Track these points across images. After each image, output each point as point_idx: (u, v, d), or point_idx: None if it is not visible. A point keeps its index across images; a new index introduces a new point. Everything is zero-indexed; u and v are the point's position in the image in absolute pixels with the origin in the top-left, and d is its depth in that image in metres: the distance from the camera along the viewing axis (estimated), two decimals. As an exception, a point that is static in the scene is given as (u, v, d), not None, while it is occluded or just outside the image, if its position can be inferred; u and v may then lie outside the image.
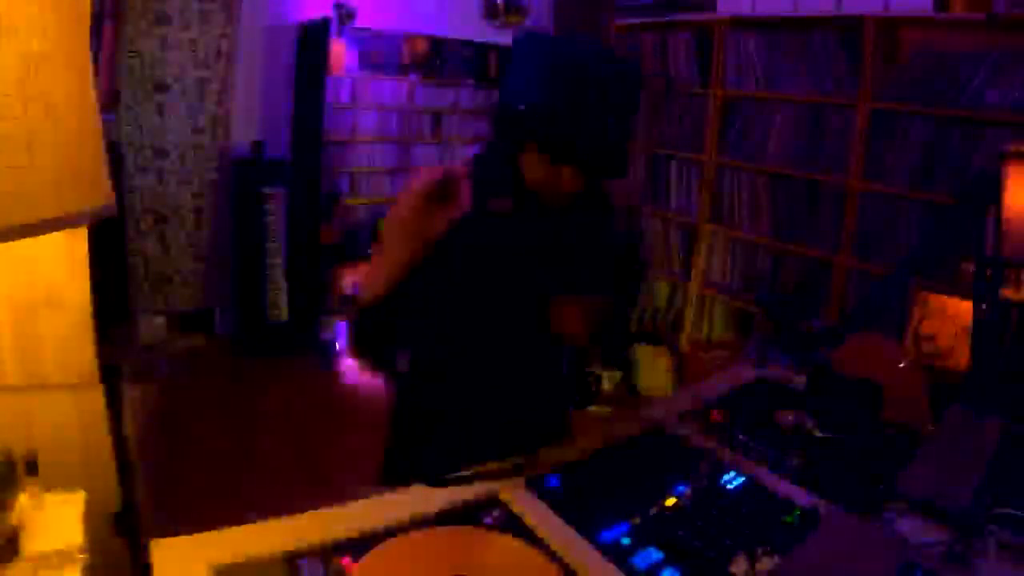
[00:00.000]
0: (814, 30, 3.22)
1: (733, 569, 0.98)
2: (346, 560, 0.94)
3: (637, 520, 1.09)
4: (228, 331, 4.29)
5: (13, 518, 0.96)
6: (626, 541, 1.03)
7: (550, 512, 1.08)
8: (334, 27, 3.97)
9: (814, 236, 3.31)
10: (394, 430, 1.42)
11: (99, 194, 0.83)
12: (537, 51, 1.12)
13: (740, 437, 1.39)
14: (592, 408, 3.75)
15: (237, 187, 4.07)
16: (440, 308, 1.25)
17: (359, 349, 1.22)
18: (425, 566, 0.94)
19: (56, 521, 1.01)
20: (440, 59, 4.46)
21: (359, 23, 4.09)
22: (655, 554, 1.01)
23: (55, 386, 1.35)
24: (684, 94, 3.86)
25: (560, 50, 1.11)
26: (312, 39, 4.04)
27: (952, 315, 2.21)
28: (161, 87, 3.80)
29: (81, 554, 0.96)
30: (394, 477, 1.35)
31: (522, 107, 1.11)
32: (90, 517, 1.05)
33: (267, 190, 3.97)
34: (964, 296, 2.17)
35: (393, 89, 4.37)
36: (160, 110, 3.83)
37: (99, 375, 1.40)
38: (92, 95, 0.82)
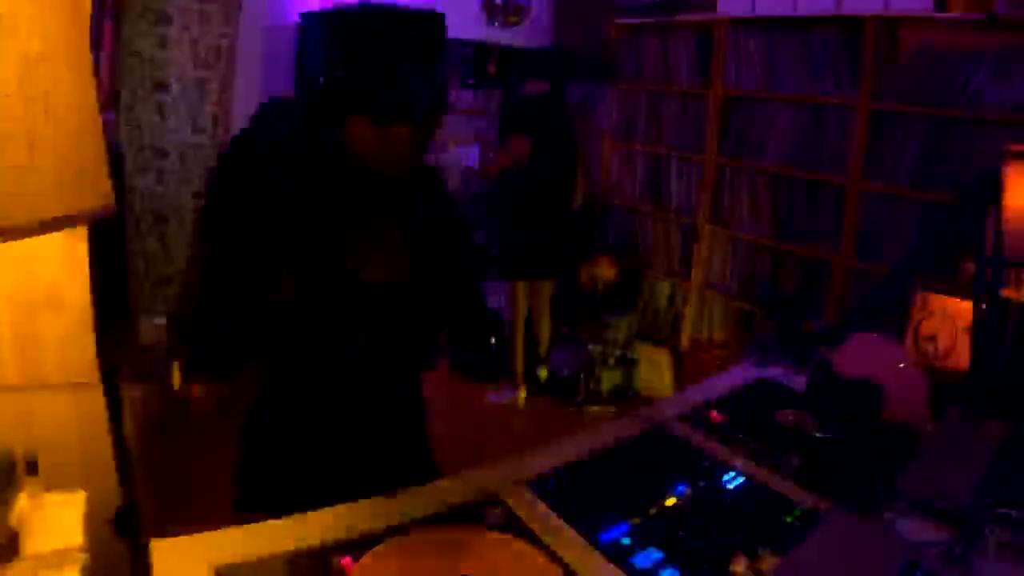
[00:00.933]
0: (814, 30, 3.22)
1: (733, 569, 0.98)
2: (346, 560, 0.94)
3: (637, 520, 1.09)
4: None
5: (13, 518, 0.96)
6: (626, 541, 1.03)
7: (550, 512, 1.08)
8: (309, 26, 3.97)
9: (814, 236, 3.31)
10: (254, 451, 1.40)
11: (99, 194, 0.83)
12: (320, 27, 1.15)
13: (740, 437, 1.39)
14: (592, 408, 3.75)
15: (237, 187, 4.06)
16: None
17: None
18: (425, 566, 0.94)
19: (56, 521, 1.00)
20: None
21: (359, 23, 4.09)
22: (655, 554, 1.01)
23: (55, 386, 1.35)
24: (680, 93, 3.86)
25: (338, 18, 1.14)
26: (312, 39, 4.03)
27: (952, 315, 2.21)
28: (161, 87, 3.79)
29: (81, 554, 0.96)
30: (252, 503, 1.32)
31: (322, 80, 1.12)
32: (90, 517, 1.05)
33: (267, 190, 3.96)
34: (964, 296, 2.16)
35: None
36: (160, 110, 3.82)
37: (99, 375, 1.40)
38: (92, 95, 0.82)
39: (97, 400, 1.40)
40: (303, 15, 1.08)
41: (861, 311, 1.93)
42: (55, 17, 0.74)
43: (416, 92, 1.11)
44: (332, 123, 1.15)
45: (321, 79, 1.12)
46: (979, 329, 1.66)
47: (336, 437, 1.28)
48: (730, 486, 1.21)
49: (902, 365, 1.51)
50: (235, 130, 4.05)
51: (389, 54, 1.10)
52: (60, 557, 0.94)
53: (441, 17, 1.16)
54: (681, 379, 3.84)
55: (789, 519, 1.12)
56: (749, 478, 1.24)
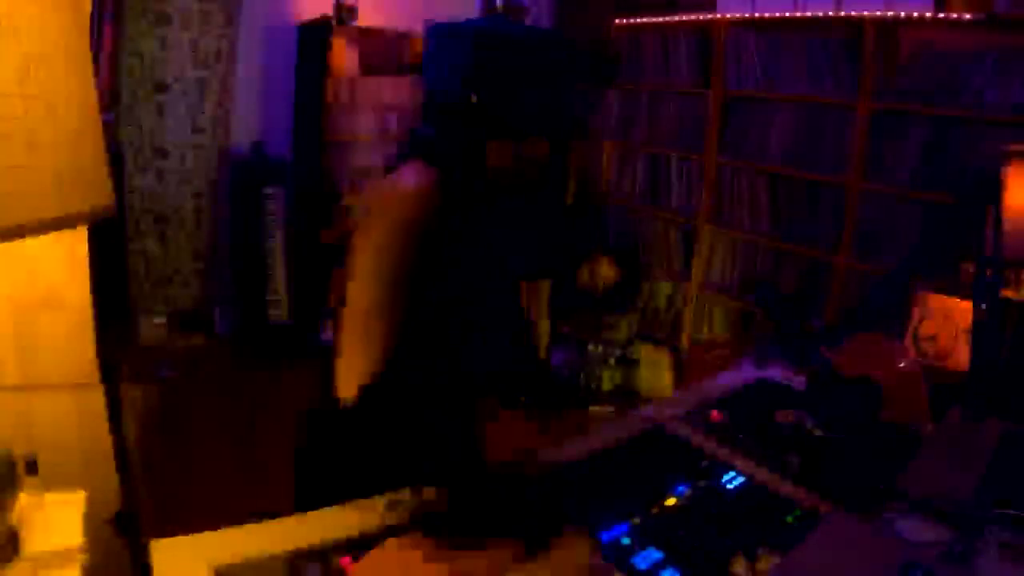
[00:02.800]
0: (814, 30, 3.22)
1: (733, 569, 0.98)
2: (346, 560, 0.94)
3: (637, 520, 1.09)
4: (228, 331, 4.28)
5: (13, 518, 0.96)
6: (626, 541, 1.03)
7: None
8: (334, 27, 3.97)
9: (814, 236, 3.31)
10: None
11: (99, 194, 0.83)
12: (463, 40, 1.15)
13: (740, 437, 1.39)
14: (592, 408, 3.75)
15: (237, 187, 4.06)
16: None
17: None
18: (425, 567, 0.94)
19: (56, 521, 1.00)
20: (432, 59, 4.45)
21: (359, 23, 4.09)
22: (655, 554, 1.01)
23: (55, 386, 1.35)
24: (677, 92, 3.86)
25: (490, 35, 1.14)
26: (312, 39, 4.03)
27: (952, 315, 2.21)
28: (161, 87, 3.79)
29: (81, 554, 0.96)
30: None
31: (474, 98, 1.11)
32: (90, 517, 1.05)
33: (267, 190, 3.97)
34: (964, 296, 2.16)
35: (393, 89, 4.37)
36: (160, 110, 3.82)
37: (99, 375, 1.40)
38: (92, 95, 0.82)
39: (97, 400, 1.40)
40: (432, 27, 1.09)
41: (861, 311, 1.93)
42: (55, 17, 0.74)
43: (573, 112, 1.16)
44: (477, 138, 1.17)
45: (473, 97, 1.12)
46: (979, 329, 1.66)
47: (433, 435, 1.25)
48: (730, 486, 1.21)
49: (902, 365, 1.51)
50: (235, 130, 4.06)
51: (546, 76, 1.14)
52: (60, 557, 0.94)
53: (567, 39, 1.23)
54: (681, 379, 3.84)
55: (789, 519, 1.12)
56: (749, 478, 1.24)
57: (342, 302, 1.13)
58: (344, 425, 1.17)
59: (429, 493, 1.08)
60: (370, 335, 1.10)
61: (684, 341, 3.95)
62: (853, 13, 3.03)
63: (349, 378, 1.11)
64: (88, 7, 1.08)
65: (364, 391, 1.09)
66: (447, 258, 1.16)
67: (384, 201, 1.16)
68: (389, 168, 1.21)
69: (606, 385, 3.81)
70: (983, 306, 1.65)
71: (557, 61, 1.16)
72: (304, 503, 1.15)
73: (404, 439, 1.12)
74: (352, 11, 4.02)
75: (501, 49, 1.12)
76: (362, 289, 1.10)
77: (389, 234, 1.09)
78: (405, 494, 1.10)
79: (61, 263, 1.33)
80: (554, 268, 3.85)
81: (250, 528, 1.00)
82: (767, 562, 0.99)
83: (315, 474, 1.31)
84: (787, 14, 3.30)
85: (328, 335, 4.25)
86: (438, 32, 1.21)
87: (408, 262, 1.09)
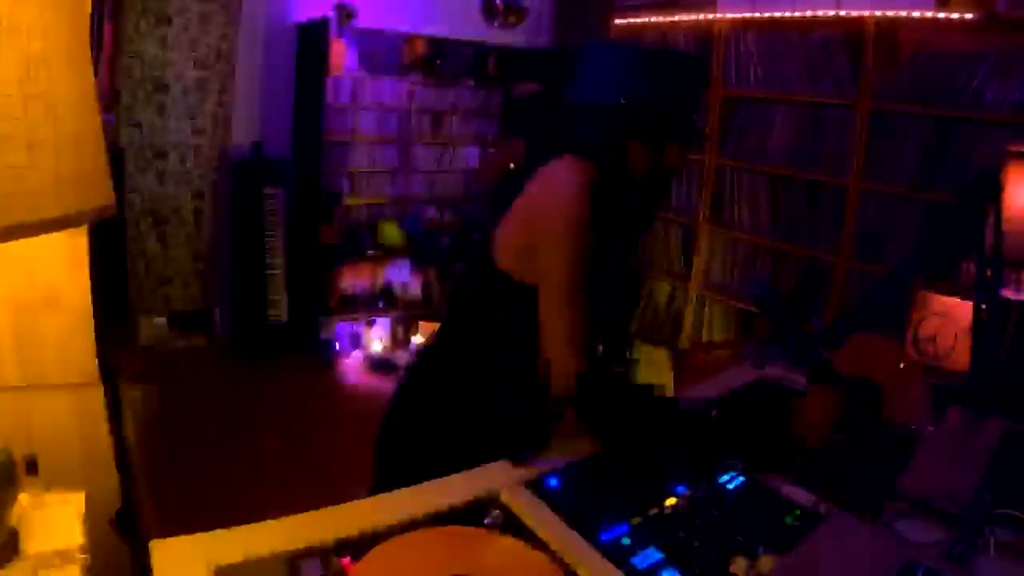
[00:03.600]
0: (814, 30, 3.22)
1: (733, 569, 0.98)
2: (346, 560, 0.94)
3: (637, 520, 1.09)
4: (228, 331, 4.29)
5: (13, 518, 0.96)
6: (626, 541, 1.03)
7: (550, 512, 1.08)
8: (334, 27, 3.97)
9: (814, 236, 3.31)
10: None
11: (99, 194, 0.83)
12: (617, 55, 1.37)
13: (740, 437, 1.38)
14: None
15: (237, 187, 4.07)
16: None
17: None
18: (425, 566, 0.94)
19: (56, 521, 1.00)
20: (440, 59, 4.46)
21: (359, 23, 4.09)
22: (655, 554, 1.01)
23: (55, 386, 1.35)
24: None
25: (639, 52, 1.42)
26: (312, 39, 4.04)
27: (952, 315, 2.21)
28: (161, 87, 3.80)
29: (81, 554, 0.96)
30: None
31: (623, 101, 1.29)
32: (90, 517, 1.05)
33: (267, 190, 3.97)
34: (964, 296, 2.17)
35: (393, 89, 4.37)
36: (160, 110, 3.83)
37: (99, 375, 1.40)
38: (92, 95, 0.82)
39: (97, 400, 1.40)
40: (594, 44, 1.44)
41: (861, 311, 1.93)
42: (55, 17, 0.74)
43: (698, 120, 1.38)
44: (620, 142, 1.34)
45: (623, 100, 1.30)
46: (979, 329, 1.66)
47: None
48: (730, 486, 1.21)
49: (902, 365, 1.51)
50: (235, 130, 4.06)
51: (684, 88, 1.34)
52: (60, 557, 0.94)
53: (696, 59, 1.44)
54: (681, 379, 3.84)
55: (789, 519, 1.12)
56: (749, 478, 1.24)
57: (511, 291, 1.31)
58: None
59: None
60: (579, 305, 1.24)
61: (684, 341, 3.95)
62: (853, 13, 3.03)
63: (572, 349, 1.25)
64: (88, 7, 1.08)
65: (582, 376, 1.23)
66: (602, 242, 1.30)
67: (547, 186, 1.33)
68: (528, 165, 1.38)
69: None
70: (983, 306, 1.65)
71: (690, 77, 1.36)
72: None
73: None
74: (352, 11, 4.02)
75: (652, 68, 1.32)
76: (564, 261, 1.24)
77: (578, 206, 1.24)
78: (405, 495, 1.10)
79: (61, 263, 1.33)
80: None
81: (250, 528, 1.00)
82: (767, 562, 0.98)
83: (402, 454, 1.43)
84: (787, 14, 3.30)
85: (326, 335, 4.26)
86: (595, 49, 1.42)
87: (590, 234, 1.24)
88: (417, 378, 1.50)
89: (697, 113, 1.38)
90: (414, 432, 1.44)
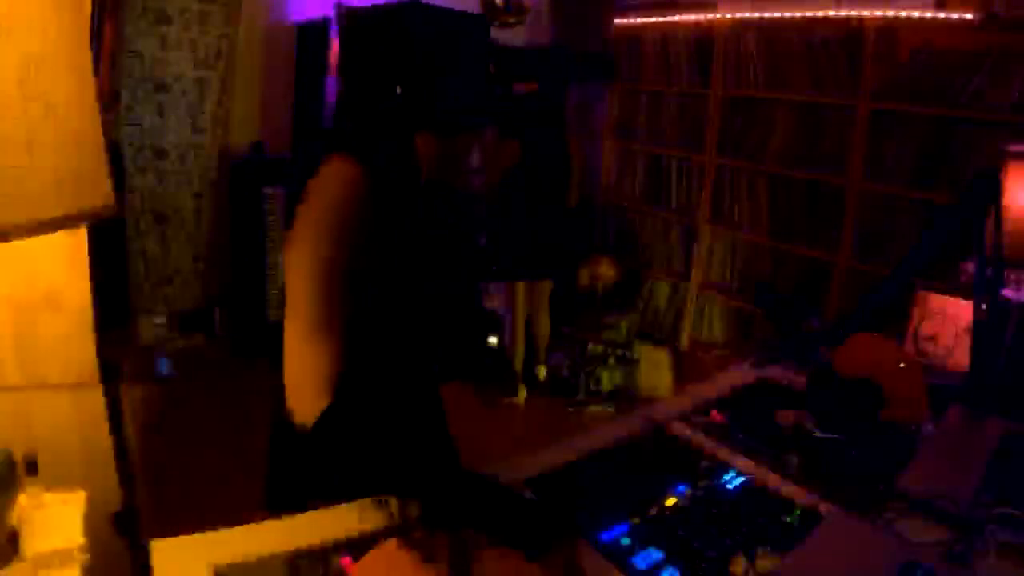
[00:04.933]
0: (814, 30, 3.22)
1: (733, 569, 0.98)
2: (346, 560, 0.94)
3: (637, 520, 1.09)
4: (228, 331, 4.28)
5: (13, 518, 0.96)
6: (626, 541, 1.03)
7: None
8: (334, 27, 3.97)
9: (814, 236, 3.31)
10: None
11: (99, 194, 0.83)
12: (366, 30, 1.09)
13: (740, 437, 1.39)
14: (592, 408, 3.75)
15: (237, 187, 4.06)
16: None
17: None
18: (424, 566, 0.94)
19: (56, 521, 1.00)
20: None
21: (359, 23, 4.09)
22: (655, 554, 1.01)
23: (55, 386, 1.35)
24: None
25: (392, 23, 1.06)
26: (312, 39, 4.03)
27: (952, 315, 2.21)
28: (161, 87, 3.79)
29: (81, 554, 0.96)
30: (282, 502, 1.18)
31: (399, 91, 1.05)
32: (90, 517, 1.05)
33: (267, 190, 3.97)
34: (964, 296, 2.16)
35: (393, 89, 4.36)
36: (160, 110, 3.82)
37: (99, 375, 1.40)
38: (92, 95, 0.82)
39: (97, 400, 1.40)
40: (345, 12, 0.99)
41: (861, 311, 1.94)
42: (55, 17, 0.74)
43: (474, 100, 1.08)
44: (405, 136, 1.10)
45: (399, 89, 1.05)
46: (979, 329, 1.66)
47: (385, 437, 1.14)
48: (730, 486, 1.21)
49: (902, 365, 1.51)
50: (235, 130, 4.05)
51: (445, 60, 1.04)
52: (60, 557, 0.94)
53: (483, 18, 1.11)
54: (681, 379, 3.84)
55: (789, 519, 1.12)
56: (749, 478, 1.24)
57: (283, 307, 1.05)
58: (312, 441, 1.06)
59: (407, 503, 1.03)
60: (319, 341, 1.01)
61: (684, 341, 3.95)
62: (853, 13, 3.03)
63: (304, 394, 1.02)
64: (88, 7, 1.08)
65: (325, 413, 0.98)
66: (385, 253, 1.10)
67: (309, 194, 1.08)
68: (307, 170, 1.13)
69: (606, 385, 3.81)
70: (983, 306, 1.65)
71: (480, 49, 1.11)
72: (275, 508, 1.09)
73: (375, 449, 1.01)
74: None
75: (423, 36, 1.04)
76: (303, 285, 1.03)
77: (320, 223, 1.03)
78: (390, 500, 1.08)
79: (61, 263, 1.33)
80: (554, 268, 3.85)
81: (250, 528, 1.00)
82: (767, 562, 0.99)
83: (286, 484, 1.27)
84: (787, 14, 3.30)
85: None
86: (353, 19, 1.13)
87: (345, 252, 1.02)
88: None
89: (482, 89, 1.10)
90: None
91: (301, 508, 1.05)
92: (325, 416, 0.97)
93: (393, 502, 1.04)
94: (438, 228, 1.20)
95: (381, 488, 1.04)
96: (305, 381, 1.01)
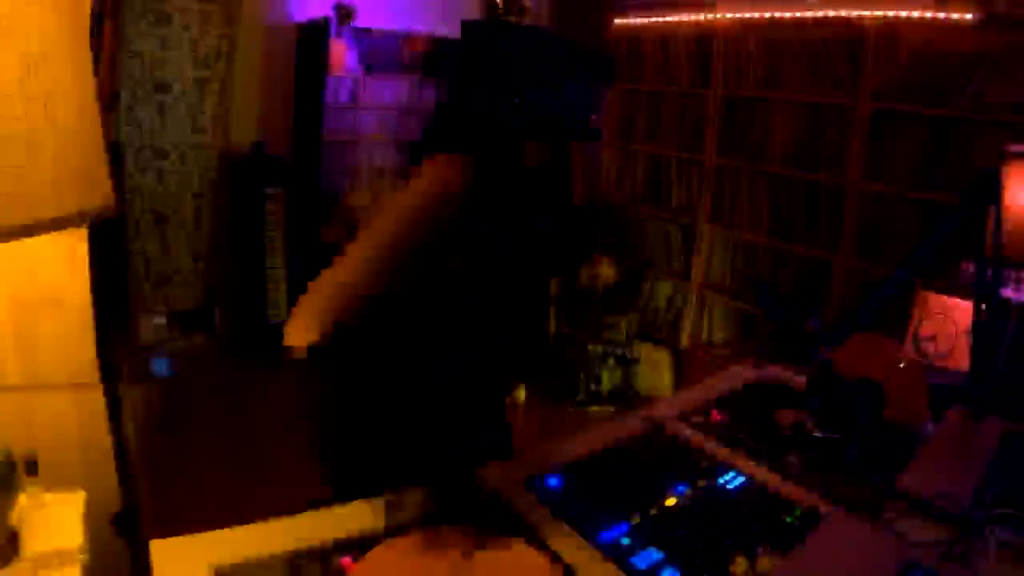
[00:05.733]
0: (814, 30, 3.22)
1: (733, 569, 0.98)
2: (346, 560, 0.94)
3: (637, 520, 1.09)
4: (228, 331, 4.28)
5: (13, 518, 0.96)
6: (626, 541, 1.03)
7: (550, 512, 1.08)
8: (334, 27, 3.97)
9: (814, 236, 3.31)
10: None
11: (99, 194, 0.83)
12: (494, 44, 1.16)
13: (740, 437, 1.39)
14: (592, 408, 3.75)
15: (237, 187, 4.06)
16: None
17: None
18: (425, 566, 0.94)
19: (56, 521, 1.00)
20: (440, 59, 4.46)
21: (359, 23, 4.09)
22: (655, 554, 1.01)
23: (55, 386, 1.35)
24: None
25: (514, 41, 1.15)
26: (312, 39, 4.03)
27: (952, 315, 2.21)
28: (161, 87, 3.79)
29: (81, 554, 0.96)
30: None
31: (516, 101, 1.12)
32: (90, 517, 1.05)
33: (267, 190, 3.97)
34: (964, 296, 2.16)
35: (393, 89, 4.37)
36: (160, 110, 3.82)
37: (99, 375, 1.40)
38: (92, 95, 0.82)
39: (97, 400, 1.40)
40: (470, 24, 1.12)
41: (861, 311, 1.94)
42: (55, 17, 0.74)
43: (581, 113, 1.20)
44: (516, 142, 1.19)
45: (516, 100, 1.13)
46: (979, 329, 1.66)
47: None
48: (730, 486, 1.21)
49: (902, 365, 1.51)
50: (235, 130, 4.05)
51: (580, 80, 1.17)
52: (60, 557, 0.94)
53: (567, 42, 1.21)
54: (681, 379, 3.84)
55: (789, 519, 1.12)
56: (749, 478, 1.24)
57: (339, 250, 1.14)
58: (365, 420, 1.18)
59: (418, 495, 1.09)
60: (343, 290, 1.10)
61: (684, 341, 3.95)
62: (853, 13, 3.03)
63: (300, 324, 1.10)
64: (88, 7, 1.08)
65: (313, 351, 1.07)
66: (471, 247, 1.18)
67: (418, 177, 1.17)
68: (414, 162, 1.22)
69: (606, 385, 3.81)
70: (983, 306, 1.65)
71: (582, 66, 1.19)
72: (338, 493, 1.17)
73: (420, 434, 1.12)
74: (352, 11, 4.02)
75: (528, 53, 1.14)
76: (363, 244, 1.11)
77: (410, 200, 1.12)
78: (405, 495, 1.10)
79: (61, 263, 1.33)
80: (554, 268, 3.85)
81: (250, 528, 1.00)
82: (767, 562, 0.99)
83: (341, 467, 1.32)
84: (787, 14, 3.30)
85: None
86: (474, 31, 1.22)
87: (416, 235, 1.10)
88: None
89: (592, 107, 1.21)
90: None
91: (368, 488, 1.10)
92: (313, 352, 1.07)
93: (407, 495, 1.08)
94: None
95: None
96: (311, 304, 1.10)
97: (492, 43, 1.16)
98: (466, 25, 1.18)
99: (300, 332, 1.08)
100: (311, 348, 1.06)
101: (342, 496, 1.12)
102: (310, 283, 1.12)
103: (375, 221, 1.13)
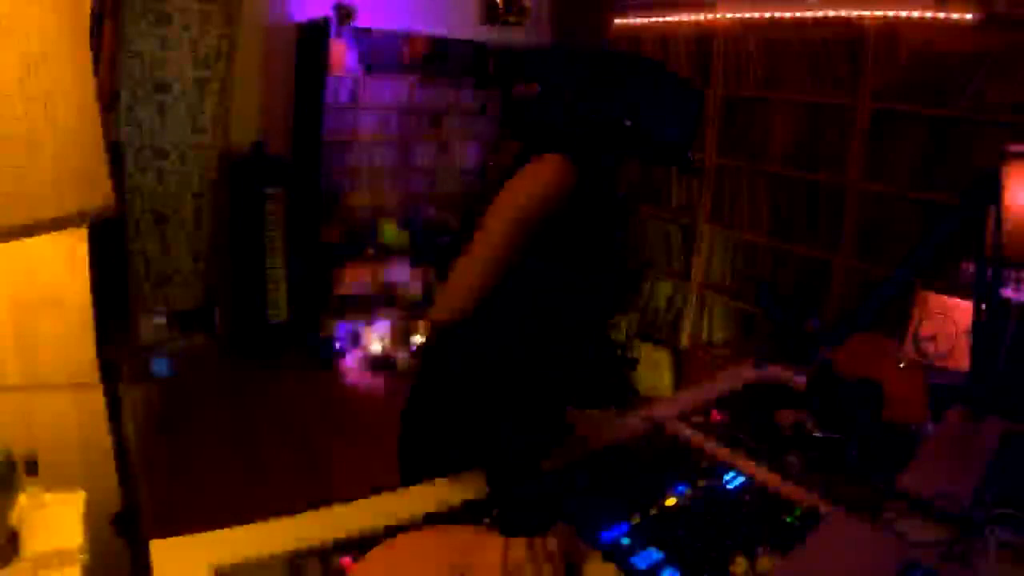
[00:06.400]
0: (814, 30, 3.22)
1: (733, 569, 0.98)
2: (346, 560, 0.94)
3: (637, 520, 1.09)
4: (228, 331, 4.28)
5: (13, 518, 0.96)
6: (626, 541, 1.03)
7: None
8: (334, 27, 3.97)
9: (814, 236, 3.31)
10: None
11: (99, 194, 0.83)
12: (611, 67, 1.30)
13: (740, 437, 1.39)
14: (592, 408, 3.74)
15: (237, 187, 4.06)
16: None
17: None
18: (425, 566, 0.94)
19: (56, 521, 1.00)
20: (440, 59, 4.46)
21: (359, 23, 4.09)
22: (655, 554, 1.01)
23: (55, 386, 1.35)
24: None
25: (643, 68, 1.29)
26: (312, 39, 4.03)
27: (952, 315, 2.21)
28: (161, 87, 3.79)
29: (81, 554, 0.96)
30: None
31: (628, 123, 1.24)
32: (90, 517, 1.05)
33: (267, 190, 3.97)
34: (964, 296, 2.16)
35: (393, 89, 4.37)
36: (160, 110, 3.82)
37: (99, 375, 1.40)
38: (92, 95, 0.82)
39: (97, 400, 1.40)
40: (612, 54, 1.39)
41: (861, 311, 1.94)
42: (55, 17, 0.74)
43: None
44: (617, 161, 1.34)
45: (628, 122, 1.24)
46: (979, 329, 1.66)
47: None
48: (730, 486, 1.21)
49: (902, 365, 1.51)
50: (235, 130, 4.06)
51: (692, 109, 1.30)
52: (60, 557, 0.94)
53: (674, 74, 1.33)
54: (681, 379, 3.84)
55: (789, 519, 1.12)
56: (749, 478, 1.24)
57: (470, 240, 1.26)
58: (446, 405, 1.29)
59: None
60: (477, 276, 1.22)
61: (684, 341, 3.95)
62: (853, 13, 3.03)
63: (445, 302, 1.26)
64: (88, 7, 1.08)
65: (450, 333, 1.23)
66: (562, 247, 1.26)
67: (528, 175, 1.26)
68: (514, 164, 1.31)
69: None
70: (983, 306, 1.65)
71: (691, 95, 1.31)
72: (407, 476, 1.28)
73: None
74: (352, 11, 4.02)
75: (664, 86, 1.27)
76: (490, 237, 1.23)
77: (529, 199, 1.22)
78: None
79: (61, 263, 1.33)
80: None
81: (250, 528, 1.00)
82: (767, 562, 0.99)
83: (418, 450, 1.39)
84: (787, 14, 3.30)
85: (326, 334, 4.26)
86: (611, 60, 1.36)
87: (531, 230, 1.22)
88: (429, 376, 1.48)
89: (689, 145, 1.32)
90: (434, 429, 1.41)
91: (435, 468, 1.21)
92: (445, 332, 1.25)
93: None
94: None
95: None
96: (454, 289, 1.24)
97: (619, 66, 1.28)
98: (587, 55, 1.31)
99: (443, 311, 1.26)
100: (441, 329, 1.25)
101: (411, 478, 1.22)
102: (450, 272, 1.27)
103: (490, 220, 1.24)
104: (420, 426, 1.38)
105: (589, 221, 1.29)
